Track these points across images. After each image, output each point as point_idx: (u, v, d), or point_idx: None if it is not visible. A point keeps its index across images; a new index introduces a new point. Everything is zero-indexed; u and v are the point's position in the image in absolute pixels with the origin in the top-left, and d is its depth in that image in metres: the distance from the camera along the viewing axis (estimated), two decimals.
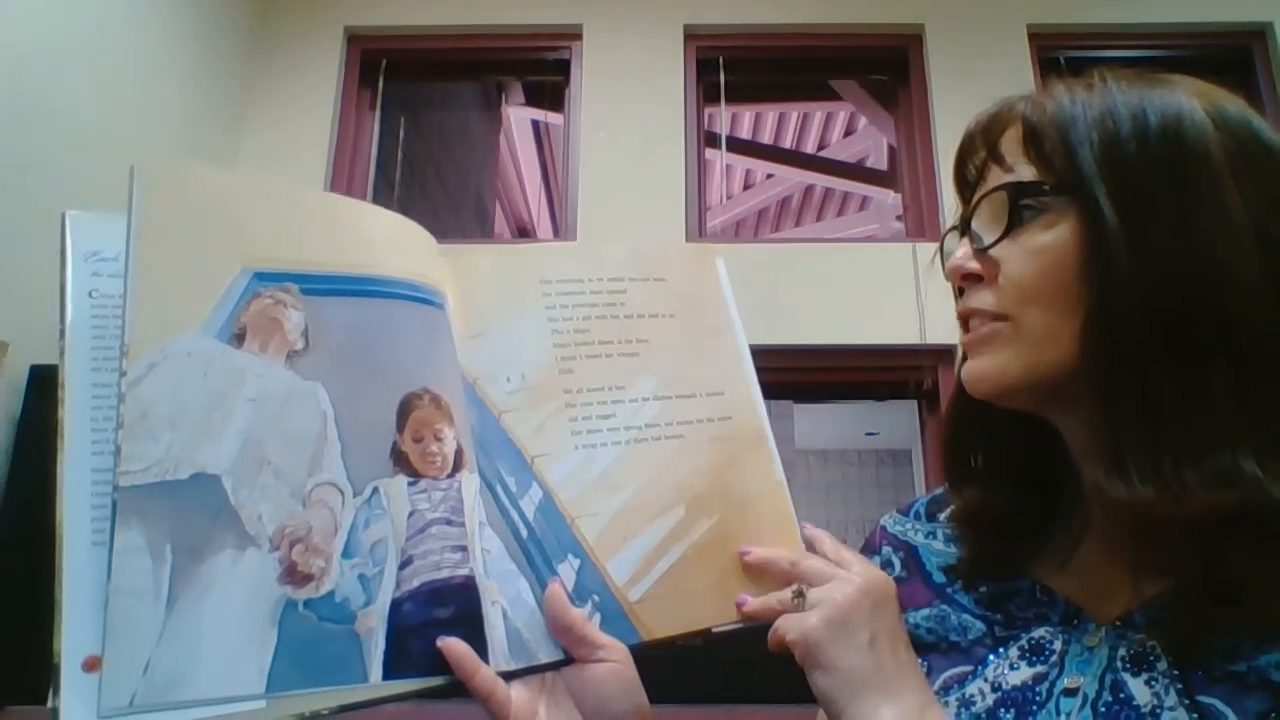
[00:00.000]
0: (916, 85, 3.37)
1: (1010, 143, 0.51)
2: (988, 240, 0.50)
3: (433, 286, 0.55)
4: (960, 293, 0.55)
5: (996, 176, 0.51)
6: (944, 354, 2.95)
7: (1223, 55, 3.35)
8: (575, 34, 3.39)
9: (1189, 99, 0.48)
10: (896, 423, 5.81)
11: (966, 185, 0.55)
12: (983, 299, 0.51)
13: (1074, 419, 0.51)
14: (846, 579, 0.50)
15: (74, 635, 0.40)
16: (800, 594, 0.50)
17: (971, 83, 3.19)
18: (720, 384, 0.62)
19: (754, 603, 0.54)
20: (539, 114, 4.07)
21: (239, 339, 0.47)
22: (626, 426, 0.57)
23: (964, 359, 0.55)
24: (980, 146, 0.53)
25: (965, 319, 0.53)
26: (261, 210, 0.50)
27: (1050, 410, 0.52)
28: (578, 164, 3.24)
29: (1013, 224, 0.49)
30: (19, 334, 2.05)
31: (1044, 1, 3.38)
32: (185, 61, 2.88)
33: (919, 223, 3.23)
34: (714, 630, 0.55)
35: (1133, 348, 0.45)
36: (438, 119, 4.11)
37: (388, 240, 0.55)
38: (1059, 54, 3.32)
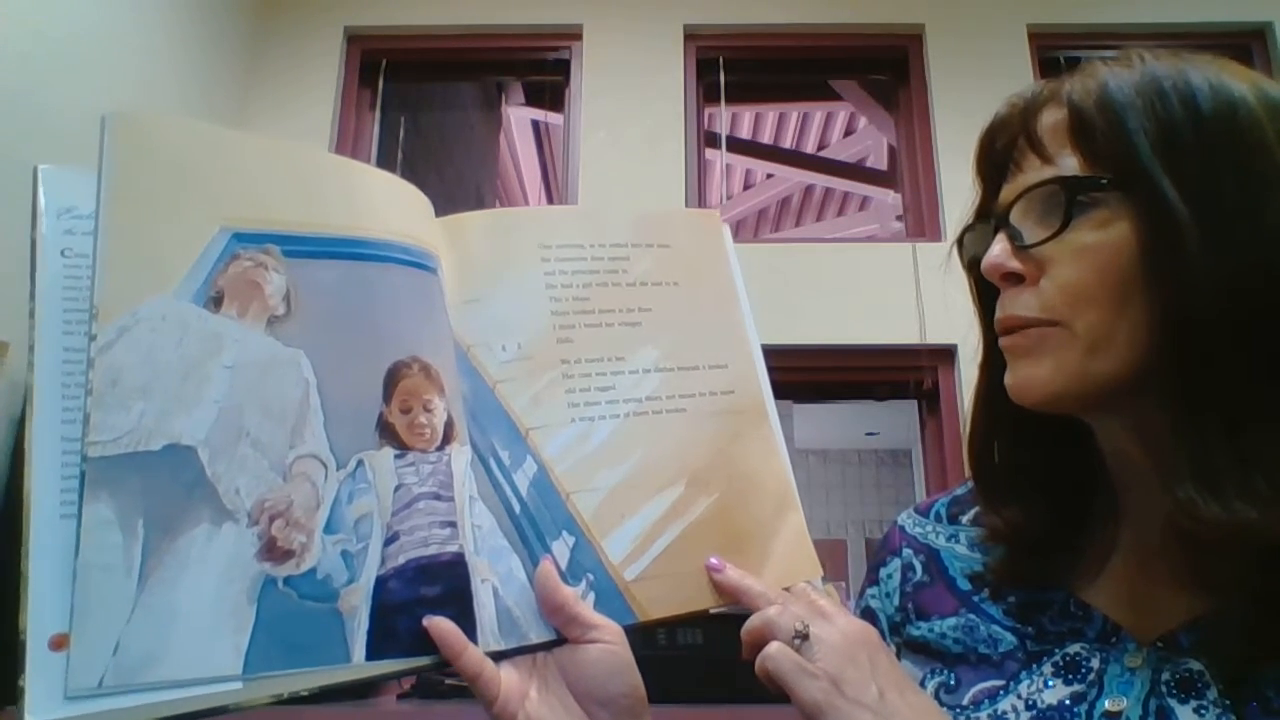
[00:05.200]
0: (916, 85, 3.36)
1: (1050, 130, 0.47)
2: (1032, 238, 0.46)
3: (425, 249, 0.52)
4: (979, 288, 0.52)
5: (1034, 165, 0.47)
6: (944, 354, 2.93)
7: (1223, 55, 3.34)
8: (575, 34, 3.38)
9: (1234, 80, 0.45)
10: (896, 423, 5.81)
11: (993, 170, 0.51)
12: (1027, 304, 0.47)
13: (1122, 426, 0.47)
14: (831, 640, 0.46)
15: (40, 612, 0.38)
16: (804, 636, 0.46)
17: (971, 83, 3.18)
18: (724, 356, 0.59)
19: (732, 575, 0.52)
20: (539, 114, 4.06)
21: (216, 303, 0.44)
22: (626, 399, 0.55)
23: (989, 364, 0.52)
24: (1017, 129, 0.49)
25: (1006, 327, 0.48)
26: (242, 166, 0.47)
27: (1096, 416, 0.49)
28: (578, 164, 3.22)
29: (1067, 221, 0.45)
30: (19, 334, 2.04)
31: (1044, 1, 3.37)
32: (185, 61, 2.87)
33: (919, 223, 3.21)
34: (711, 611, 0.53)
35: (1212, 347, 0.41)
36: (438, 119, 4.10)
37: (377, 200, 0.51)
38: (1059, 54, 3.31)
